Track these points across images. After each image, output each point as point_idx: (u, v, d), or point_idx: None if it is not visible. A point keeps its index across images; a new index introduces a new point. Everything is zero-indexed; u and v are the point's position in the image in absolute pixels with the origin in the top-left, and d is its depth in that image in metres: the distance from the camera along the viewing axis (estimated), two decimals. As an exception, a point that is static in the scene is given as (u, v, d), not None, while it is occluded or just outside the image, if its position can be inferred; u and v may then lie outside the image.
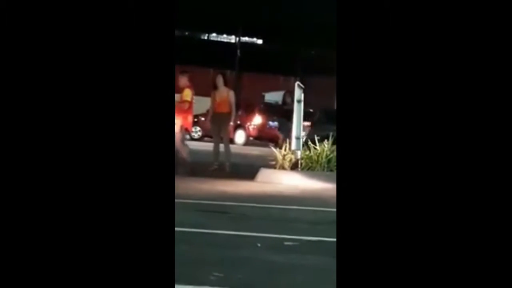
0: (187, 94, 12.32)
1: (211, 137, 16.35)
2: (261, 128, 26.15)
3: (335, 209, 9.42)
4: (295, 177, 11.68)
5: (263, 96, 27.83)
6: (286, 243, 5.98)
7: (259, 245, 5.81)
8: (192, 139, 23.34)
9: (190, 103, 12.41)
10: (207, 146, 16.20)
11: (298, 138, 12.42)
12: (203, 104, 18.34)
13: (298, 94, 12.66)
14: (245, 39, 33.21)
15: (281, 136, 14.20)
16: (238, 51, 32.59)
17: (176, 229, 3.09)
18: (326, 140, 12.42)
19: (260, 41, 33.56)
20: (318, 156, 11.98)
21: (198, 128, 26.80)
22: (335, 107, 24.38)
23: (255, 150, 20.73)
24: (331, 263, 5.43)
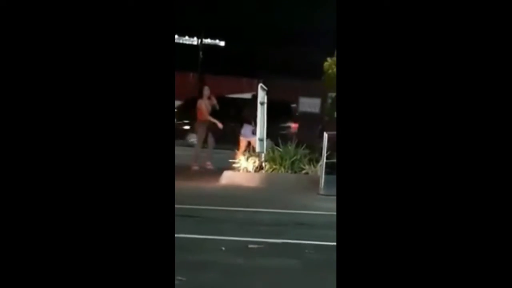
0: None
1: None
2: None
3: (300, 211, 9.39)
4: (259, 179, 11.64)
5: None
6: (250, 246, 5.95)
7: (223, 248, 5.77)
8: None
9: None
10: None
11: (261, 140, 12.40)
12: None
13: (262, 96, 12.65)
14: (207, 41, 33.13)
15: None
16: (200, 53, 32.51)
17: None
18: (290, 142, 12.43)
19: (222, 43, 33.49)
20: (282, 158, 11.97)
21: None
22: (299, 108, 24.47)
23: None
24: (296, 265, 5.42)
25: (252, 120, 13.56)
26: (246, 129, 13.47)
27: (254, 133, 13.42)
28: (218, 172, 12.30)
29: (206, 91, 14.11)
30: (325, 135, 11.22)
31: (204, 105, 13.73)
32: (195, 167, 13.62)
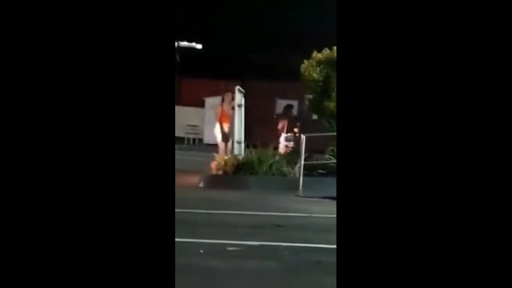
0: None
1: None
2: None
3: (278, 213, 9.37)
4: (237, 181, 11.62)
5: (204, 101, 27.72)
6: (228, 248, 5.94)
7: (201, 251, 5.76)
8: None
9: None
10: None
11: (239, 143, 12.40)
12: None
13: (239, 98, 12.65)
14: (184, 43, 33.05)
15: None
16: (177, 56, 32.45)
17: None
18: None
19: (199, 46, 33.41)
20: (260, 161, 11.96)
21: None
22: (276, 111, 24.48)
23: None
24: (274, 267, 5.43)
25: (286, 128, 14.18)
26: (283, 137, 14.34)
27: (288, 140, 13.97)
28: (196, 174, 12.28)
29: (228, 96, 13.66)
30: (303, 137, 11.26)
31: (220, 110, 13.50)
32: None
